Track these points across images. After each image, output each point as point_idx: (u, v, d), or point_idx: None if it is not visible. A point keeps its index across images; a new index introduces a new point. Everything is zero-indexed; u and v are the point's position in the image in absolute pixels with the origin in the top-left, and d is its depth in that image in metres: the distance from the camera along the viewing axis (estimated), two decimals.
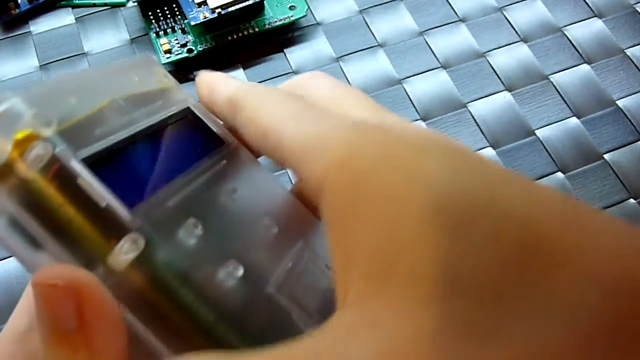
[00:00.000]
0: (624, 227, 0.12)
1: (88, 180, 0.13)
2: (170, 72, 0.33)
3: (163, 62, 0.33)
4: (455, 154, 0.13)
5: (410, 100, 0.33)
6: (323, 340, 0.12)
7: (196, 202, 0.16)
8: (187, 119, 0.18)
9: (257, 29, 0.34)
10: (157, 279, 0.13)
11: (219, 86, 0.19)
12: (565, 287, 0.11)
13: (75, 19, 0.36)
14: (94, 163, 0.13)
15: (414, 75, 0.34)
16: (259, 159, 0.20)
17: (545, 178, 0.31)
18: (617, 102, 0.33)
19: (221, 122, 0.19)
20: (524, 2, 0.37)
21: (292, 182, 0.31)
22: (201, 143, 0.18)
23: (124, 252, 0.13)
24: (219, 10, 0.32)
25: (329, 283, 0.19)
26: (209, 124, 0.19)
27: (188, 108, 0.18)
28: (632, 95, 0.33)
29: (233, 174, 0.18)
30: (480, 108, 0.33)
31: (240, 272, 0.15)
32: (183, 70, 0.33)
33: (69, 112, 0.14)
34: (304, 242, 0.19)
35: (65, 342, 0.12)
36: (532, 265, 0.11)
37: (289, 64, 0.34)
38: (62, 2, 0.36)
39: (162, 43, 0.33)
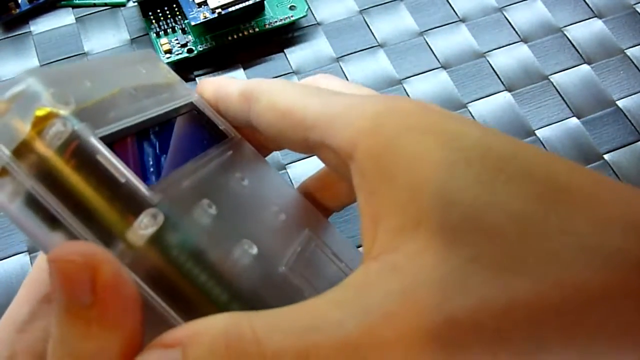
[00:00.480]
0: (631, 187, 0.13)
1: (108, 156, 0.13)
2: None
3: (163, 62, 0.33)
4: (473, 121, 0.14)
5: None
6: (346, 290, 0.13)
7: (208, 185, 0.16)
8: (192, 113, 0.19)
9: (257, 29, 0.34)
10: (176, 254, 0.13)
11: (227, 84, 0.19)
12: (587, 228, 0.12)
13: (76, 18, 0.36)
14: (110, 143, 0.13)
15: (414, 75, 0.34)
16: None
17: None
18: (617, 102, 0.33)
19: (223, 120, 0.20)
20: (524, 2, 0.37)
21: (292, 182, 0.31)
22: (206, 135, 0.19)
23: (144, 227, 0.13)
24: (219, 10, 0.32)
25: (336, 269, 0.19)
26: (212, 119, 0.19)
27: (192, 103, 0.19)
28: (632, 96, 0.33)
29: (240, 163, 0.19)
30: (481, 108, 0.33)
31: (255, 250, 0.15)
32: (183, 70, 0.33)
33: (84, 95, 0.14)
34: (310, 231, 0.19)
35: (79, 318, 0.12)
36: (554, 209, 0.12)
37: (289, 64, 0.34)
38: (63, 2, 0.36)
39: (162, 43, 0.33)
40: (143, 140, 0.16)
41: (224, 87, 0.19)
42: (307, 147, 0.16)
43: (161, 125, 0.17)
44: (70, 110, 0.13)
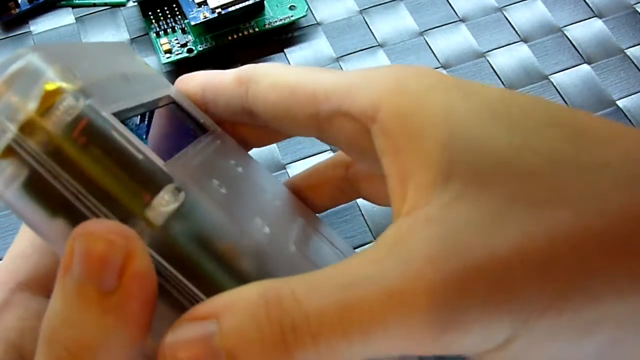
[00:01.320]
0: None
1: (124, 132, 0.12)
2: (170, 72, 0.33)
3: (163, 62, 0.33)
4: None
5: None
6: (380, 246, 0.13)
7: (212, 168, 0.16)
8: (171, 107, 0.18)
9: (257, 29, 0.34)
10: (199, 231, 0.13)
11: (218, 73, 0.19)
12: (620, 162, 0.12)
13: (76, 18, 0.36)
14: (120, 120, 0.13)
15: None
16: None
17: None
18: (617, 102, 0.33)
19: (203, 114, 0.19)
20: (524, 2, 0.37)
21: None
22: (186, 129, 0.18)
23: (165, 204, 0.12)
24: (219, 10, 0.32)
25: (334, 254, 0.19)
26: (192, 112, 0.19)
27: (169, 96, 0.18)
28: (632, 96, 0.33)
29: (231, 152, 0.19)
30: None
31: (267, 229, 0.15)
32: (183, 70, 0.33)
33: (84, 73, 0.13)
34: (303, 219, 0.19)
35: (96, 303, 0.12)
36: (585, 147, 0.12)
37: (289, 64, 0.34)
38: (62, 2, 0.36)
39: (162, 43, 0.33)
40: (143, 123, 0.15)
41: (214, 76, 0.19)
42: (315, 123, 0.16)
43: (152, 112, 0.16)
44: (79, 86, 0.12)
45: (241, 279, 0.13)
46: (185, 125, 0.18)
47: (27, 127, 0.12)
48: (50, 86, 0.12)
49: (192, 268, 0.13)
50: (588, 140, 0.13)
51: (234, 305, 0.12)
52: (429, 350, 0.12)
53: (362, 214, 0.29)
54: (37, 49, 0.13)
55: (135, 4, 0.35)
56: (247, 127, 0.20)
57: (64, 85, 0.12)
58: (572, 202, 0.12)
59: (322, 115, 0.16)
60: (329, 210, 0.26)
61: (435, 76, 0.15)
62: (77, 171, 0.12)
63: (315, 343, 0.11)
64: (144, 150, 0.13)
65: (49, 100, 0.12)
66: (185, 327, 0.12)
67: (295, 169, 0.30)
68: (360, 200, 0.29)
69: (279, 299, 0.11)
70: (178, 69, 0.34)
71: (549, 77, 0.34)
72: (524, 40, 0.35)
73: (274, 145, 0.31)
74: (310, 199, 0.22)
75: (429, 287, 0.11)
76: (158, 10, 0.34)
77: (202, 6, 0.33)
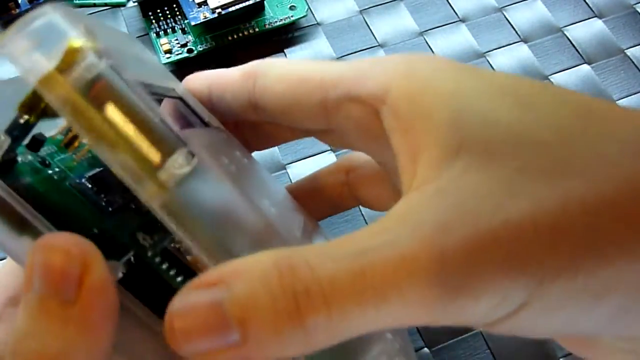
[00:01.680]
0: None
1: (143, 93, 0.12)
2: (170, 72, 0.33)
3: (163, 62, 0.33)
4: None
5: None
6: (390, 218, 0.13)
7: (221, 148, 0.16)
8: (179, 102, 0.18)
9: (257, 29, 0.34)
10: (210, 196, 0.13)
11: (224, 70, 0.19)
12: (627, 135, 0.12)
13: None
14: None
15: None
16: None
17: None
18: (617, 102, 0.33)
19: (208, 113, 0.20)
20: (524, 2, 0.37)
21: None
22: (196, 125, 0.18)
23: (178, 167, 0.12)
24: (219, 10, 0.32)
25: None
26: (197, 110, 0.19)
27: (174, 89, 0.18)
28: (632, 96, 0.33)
29: (235, 145, 0.19)
30: None
31: (273, 210, 0.15)
32: (183, 70, 0.33)
33: (102, 39, 0.13)
34: (304, 219, 0.19)
35: (56, 314, 0.12)
36: (592, 123, 0.13)
37: None
38: (63, 3, 0.36)
39: (162, 43, 0.33)
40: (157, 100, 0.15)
41: (220, 73, 0.19)
42: (323, 112, 0.16)
43: (162, 98, 0.16)
44: (100, 47, 0.12)
45: (249, 249, 0.13)
46: (190, 123, 0.18)
47: (47, 83, 0.12)
48: (73, 44, 0.12)
49: (201, 232, 0.13)
50: (597, 117, 0.13)
51: (245, 272, 0.12)
52: (440, 319, 0.12)
53: (362, 214, 0.29)
54: (60, 8, 0.13)
55: (135, 4, 0.35)
56: (250, 128, 0.20)
57: (87, 44, 0.12)
58: (582, 170, 0.12)
59: (330, 103, 0.16)
60: None
61: (444, 60, 0.15)
62: (93, 128, 0.12)
63: (328, 309, 0.11)
64: (160, 114, 0.13)
65: (71, 58, 0.12)
66: (193, 293, 0.12)
67: (296, 169, 0.31)
68: None
69: (292, 266, 0.12)
70: (178, 69, 0.34)
71: (549, 77, 0.34)
72: (524, 41, 0.35)
73: None
74: (310, 205, 0.22)
75: (440, 253, 0.11)
76: (158, 11, 0.34)
77: (202, 6, 0.33)
